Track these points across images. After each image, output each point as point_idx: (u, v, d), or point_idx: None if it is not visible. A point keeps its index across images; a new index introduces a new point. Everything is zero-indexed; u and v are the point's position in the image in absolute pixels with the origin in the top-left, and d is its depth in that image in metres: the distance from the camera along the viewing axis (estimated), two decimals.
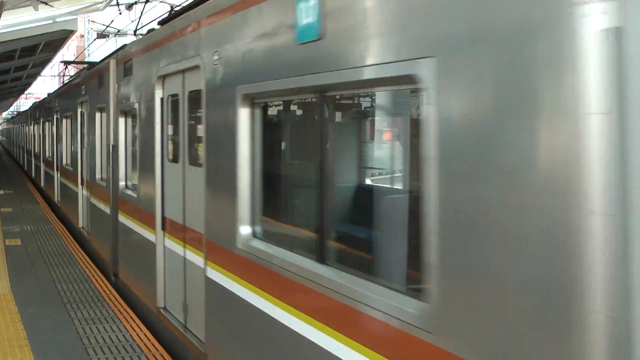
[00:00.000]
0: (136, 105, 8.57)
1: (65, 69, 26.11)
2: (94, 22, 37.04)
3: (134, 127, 9.29)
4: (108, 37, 28.42)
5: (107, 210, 10.74)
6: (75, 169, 15.17)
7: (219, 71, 5.53)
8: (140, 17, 13.61)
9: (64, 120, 17.55)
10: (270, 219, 5.25)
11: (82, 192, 14.21)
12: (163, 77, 7.44)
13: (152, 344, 7.36)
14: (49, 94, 27.29)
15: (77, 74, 18.89)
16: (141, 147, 8.45)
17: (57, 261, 11.77)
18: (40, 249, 12.87)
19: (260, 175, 5.11)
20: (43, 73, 38.86)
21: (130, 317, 8.39)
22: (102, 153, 11.76)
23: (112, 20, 21.12)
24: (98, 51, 33.88)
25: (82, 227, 14.29)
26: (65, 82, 25.09)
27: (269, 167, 5.24)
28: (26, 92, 57.29)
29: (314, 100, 4.28)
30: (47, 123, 22.96)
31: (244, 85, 4.99)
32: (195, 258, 6.41)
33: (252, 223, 5.11)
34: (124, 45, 10.47)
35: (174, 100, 7.18)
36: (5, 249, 12.76)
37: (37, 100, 36.24)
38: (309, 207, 4.44)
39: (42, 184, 23.73)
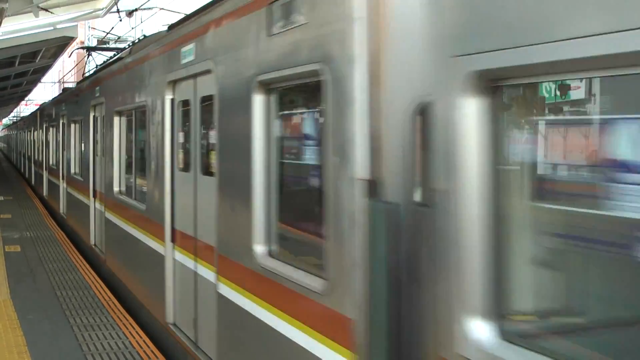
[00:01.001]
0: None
1: (88, 56, 24.36)
2: (94, 28, 37.15)
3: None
4: (108, 43, 28.50)
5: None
6: (150, 209, 8.31)
7: None
8: None
9: (118, 120, 10.51)
10: None
11: (176, 255, 7.44)
12: None
13: (152, 351, 7.36)
14: (64, 90, 21.48)
15: (97, 70, 15.22)
16: None
17: (57, 268, 11.77)
18: (39, 256, 12.87)
19: None
20: (43, 79, 38.97)
21: (130, 324, 8.39)
22: (271, 193, 5.02)
23: (113, 27, 21.20)
24: (98, 57, 33.84)
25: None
26: (87, 72, 20.50)
27: None
28: (26, 98, 57.37)
29: None
30: (72, 125, 15.88)
31: None
32: None
33: None
34: None
35: None
36: (4, 255, 12.76)
37: (38, 105, 35.84)
38: None
39: (62, 209, 17.87)
